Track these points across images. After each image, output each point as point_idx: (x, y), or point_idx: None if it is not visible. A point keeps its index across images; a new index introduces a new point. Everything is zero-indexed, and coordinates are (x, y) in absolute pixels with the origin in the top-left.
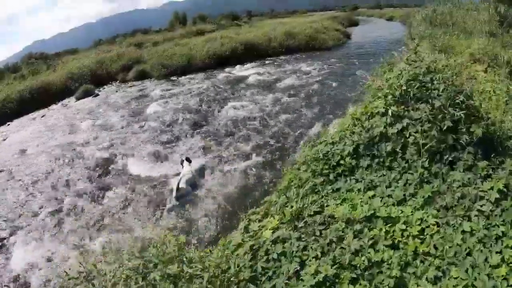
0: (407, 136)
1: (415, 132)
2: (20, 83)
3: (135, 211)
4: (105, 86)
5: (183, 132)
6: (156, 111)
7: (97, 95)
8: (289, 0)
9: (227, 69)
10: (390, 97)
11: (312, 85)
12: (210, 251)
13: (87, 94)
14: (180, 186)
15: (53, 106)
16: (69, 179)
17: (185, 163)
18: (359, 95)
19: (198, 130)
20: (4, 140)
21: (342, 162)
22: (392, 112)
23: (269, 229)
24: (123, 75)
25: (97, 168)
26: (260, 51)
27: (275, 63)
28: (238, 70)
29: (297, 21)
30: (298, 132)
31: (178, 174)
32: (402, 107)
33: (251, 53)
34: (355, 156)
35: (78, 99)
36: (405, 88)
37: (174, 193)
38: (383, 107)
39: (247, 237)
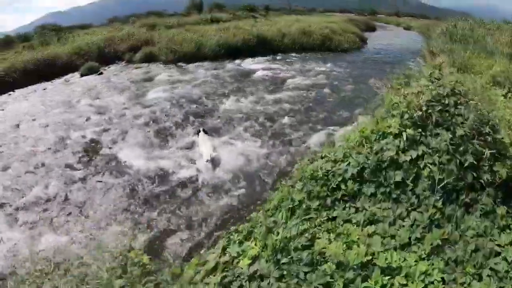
0: (422, 166)
1: (431, 164)
2: (29, 53)
3: (111, 206)
4: (110, 65)
5: (180, 121)
6: (157, 97)
7: (101, 73)
8: None
9: (237, 61)
10: (406, 116)
11: (321, 87)
12: (182, 270)
13: (91, 71)
14: (210, 151)
15: (57, 80)
16: (50, 163)
17: (201, 133)
18: (370, 106)
19: (196, 121)
20: (2, 110)
21: (343, 186)
22: (407, 136)
23: (248, 258)
24: (130, 56)
25: (84, 153)
26: (273, 46)
27: (287, 60)
28: (248, 63)
29: (314, 20)
30: (299, 138)
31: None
32: (419, 131)
33: (263, 47)
34: (358, 180)
35: (82, 75)
36: (425, 109)
37: (207, 156)
38: (398, 128)
39: (223, 262)
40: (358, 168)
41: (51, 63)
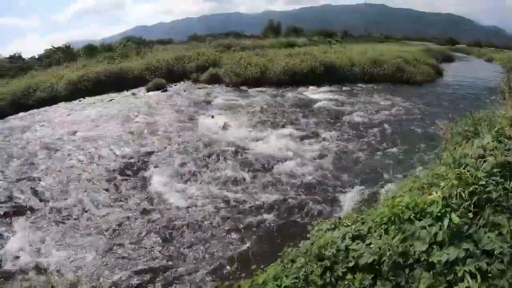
0: (459, 274)
1: (473, 276)
2: (109, 63)
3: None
4: (177, 83)
5: (222, 153)
6: (208, 123)
7: (166, 90)
8: (393, 24)
9: (300, 89)
10: (456, 192)
11: (381, 126)
12: None
13: (158, 87)
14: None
15: (124, 93)
16: (88, 178)
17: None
18: (425, 160)
19: (239, 155)
20: (68, 115)
21: (349, 276)
22: (450, 223)
23: None
24: (197, 76)
25: (119, 173)
26: (340, 75)
27: (353, 91)
28: (311, 92)
29: (387, 49)
30: (332, 190)
31: None
32: (470, 216)
33: (330, 75)
34: (373, 272)
35: (148, 90)
36: (483, 183)
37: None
38: (439, 209)
39: None
40: (376, 256)
41: (122, 75)
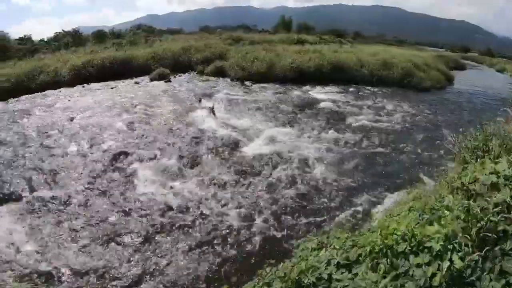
0: None
1: None
2: (117, 50)
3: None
4: (182, 74)
5: (214, 150)
6: (203, 117)
7: (169, 80)
8: (407, 28)
9: (305, 87)
10: (459, 225)
11: (386, 133)
12: None
13: (161, 77)
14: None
15: (127, 81)
16: (74, 168)
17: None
18: (429, 176)
19: (232, 153)
20: (69, 101)
21: None
22: (452, 265)
23: None
24: (202, 67)
25: (106, 165)
26: (348, 76)
27: (359, 93)
28: (316, 91)
29: (399, 52)
30: (323, 201)
31: None
32: (475, 258)
33: (338, 75)
34: None
35: (151, 80)
36: (495, 219)
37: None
38: (440, 247)
39: None
40: None
41: (127, 63)
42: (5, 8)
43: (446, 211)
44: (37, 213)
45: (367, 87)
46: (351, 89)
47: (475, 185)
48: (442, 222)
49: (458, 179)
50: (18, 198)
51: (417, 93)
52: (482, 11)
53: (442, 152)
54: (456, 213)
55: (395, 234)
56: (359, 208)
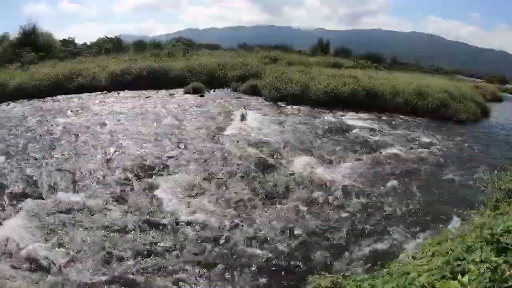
0: None
1: None
2: (155, 61)
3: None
4: (216, 90)
5: (237, 169)
6: (232, 136)
7: (203, 95)
8: (444, 56)
9: (338, 113)
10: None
11: (415, 167)
12: None
13: (195, 91)
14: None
15: (162, 91)
16: (97, 174)
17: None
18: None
19: (253, 178)
20: (104, 105)
21: None
22: None
23: None
24: (236, 85)
25: (129, 174)
26: (381, 103)
27: (392, 122)
28: (348, 117)
29: (435, 81)
30: (341, 237)
31: None
32: None
33: (371, 102)
34: None
35: (185, 93)
36: None
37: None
38: None
39: None
40: None
41: (163, 74)
42: (54, 13)
43: (471, 266)
44: (54, 214)
45: (401, 116)
46: (384, 117)
47: (507, 238)
48: (466, 279)
49: (488, 228)
50: (38, 197)
51: (451, 125)
52: None
53: (474, 191)
54: (482, 269)
55: (414, 284)
56: (380, 246)
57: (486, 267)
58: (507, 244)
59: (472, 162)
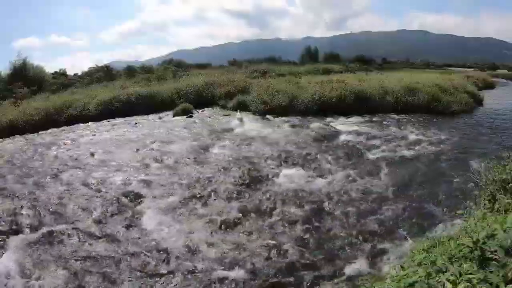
0: None
1: None
2: (146, 85)
3: None
4: (205, 109)
5: (220, 191)
6: (218, 154)
7: (191, 116)
8: (434, 51)
9: (328, 119)
10: None
11: (407, 166)
12: None
13: (184, 112)
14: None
15: (150, 116)
16: (83, 205)
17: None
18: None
19: (237, 194)
20: (94, 135)
21: None
22: None
23: None
24: (225, 102)
25: (115, 206)
26: (372, 104)
27: (383, 122)
28: (338, 123)
29: (424, 76)
30: (330, 250)
31: None
32: None
33: (361, 105)
34: None
35: (174, 115)
36: None
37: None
38: None
39: None
40: None
41: (151, 98)
42: (45, 45)
43: (449, 283)
44: (38, 247)
45: (392, 115)
46: (375, 118)
47: (490, 244)
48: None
49: (480, 225)
50: (24, 231)
51: (443, 118)
52: (508, 26)
53: (467, 185)
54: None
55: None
56: (364, 257)
57: (465, 281)
58: (491, 252)
59: (463, 154)
